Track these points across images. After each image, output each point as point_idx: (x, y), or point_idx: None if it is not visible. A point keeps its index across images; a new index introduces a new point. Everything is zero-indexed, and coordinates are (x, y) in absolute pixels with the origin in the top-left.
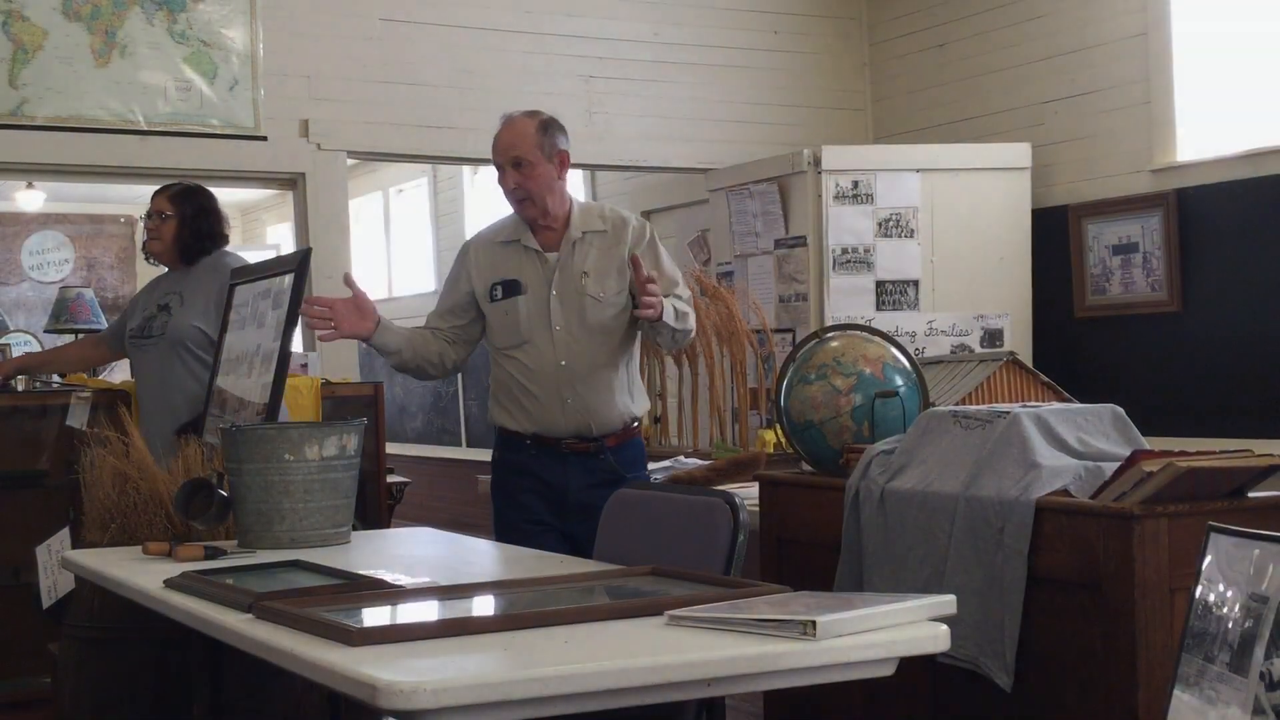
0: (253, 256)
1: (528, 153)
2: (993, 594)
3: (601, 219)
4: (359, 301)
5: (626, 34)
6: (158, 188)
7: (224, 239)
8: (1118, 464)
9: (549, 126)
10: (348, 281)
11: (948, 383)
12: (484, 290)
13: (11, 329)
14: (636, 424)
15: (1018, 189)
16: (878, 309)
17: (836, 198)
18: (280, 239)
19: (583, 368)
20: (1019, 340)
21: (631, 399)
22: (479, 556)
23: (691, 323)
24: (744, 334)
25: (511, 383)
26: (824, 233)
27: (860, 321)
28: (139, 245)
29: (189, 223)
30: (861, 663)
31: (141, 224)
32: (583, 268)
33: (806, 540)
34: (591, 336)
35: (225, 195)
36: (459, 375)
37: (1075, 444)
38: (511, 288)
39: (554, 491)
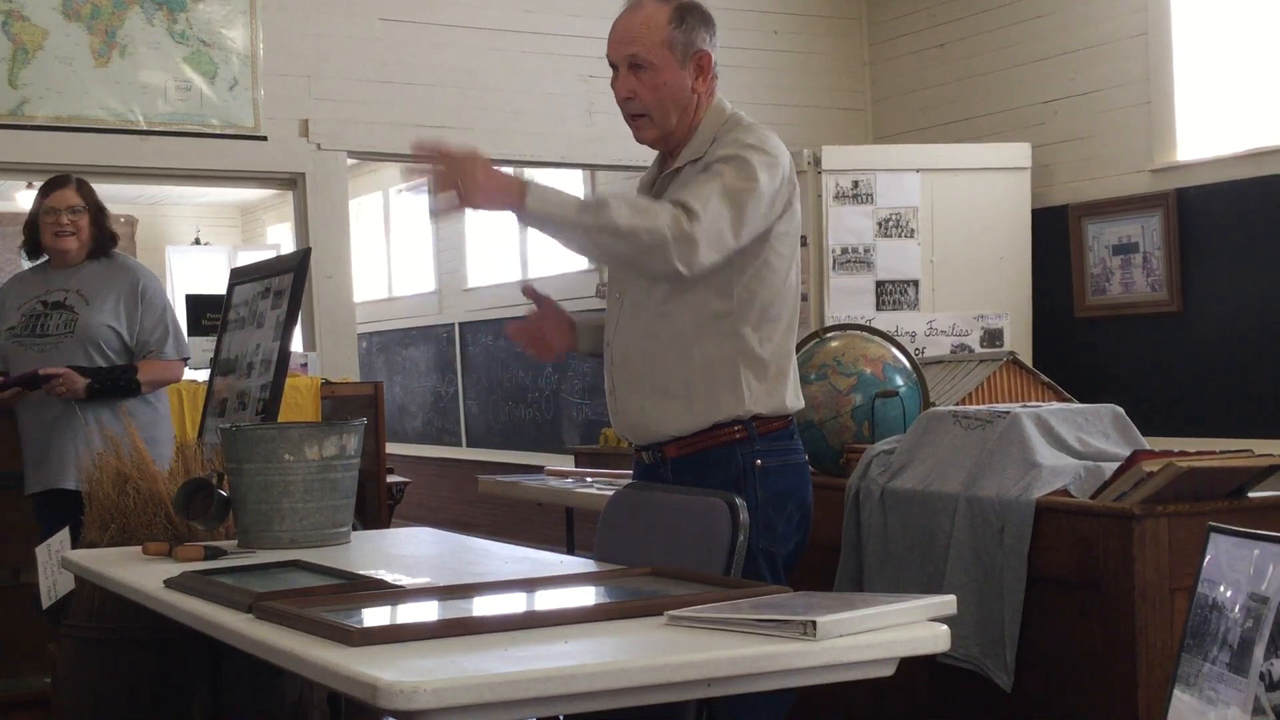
0: (253, 256)
1: (649, 51)
2: (993, 594)
3: (712, 138)
4: (547, 314)
5: None
6: (44, 187)
7: (117, 236)
8: (1118, 464)
9: (686, 15)
10: (527, 293)
11: (948, 383)
12: None
13: None
14: (723, 429)
15: (1018, 189)
16: (878, 309)
17: (836, 198)
18: (280, 239)
19: (621, 349)
20: (1019, 340)
21: (704, 396)
22: (479, 556)
23: (631, 218)
24: None
25: None
26: (824, 233)
27: (860, 321)
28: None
29: (96, 216)
30: (861, 663)
31: (49, 222)
32: None
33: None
34: (642, 307)
35: (225, 195)
36: (459, 375)
37: (1075, 444)
38: None
39: None
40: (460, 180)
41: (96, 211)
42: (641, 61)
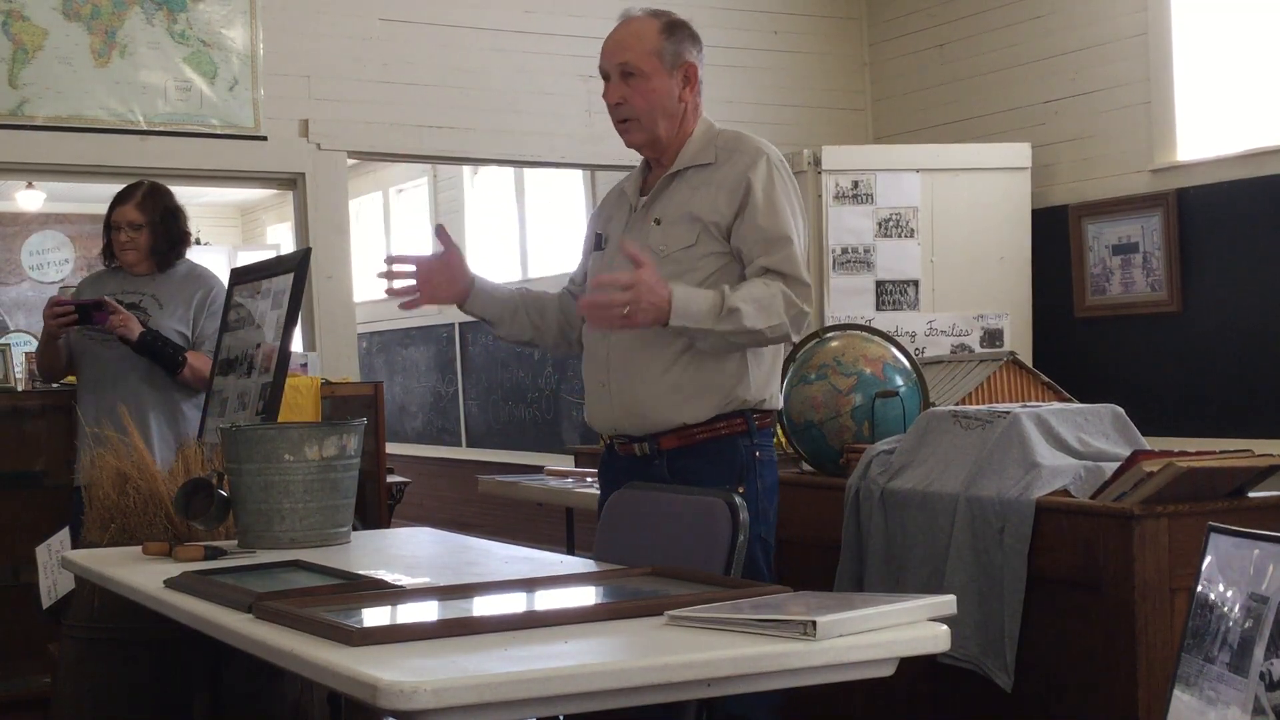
0: (253, 256)
1: (641, 60)
2: (993, 594)
3: (714, 148)
4: (449, 260)
5: None
6: (116, 196)
7: (189, 236)
8: (1118, 464)
9: (676, 30)
10: (440, 234)
11: (948, 383)
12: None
13: (12, 329)
14: (726, 421)
15: (1018, 189)
16: (878, 309)
17: (836, 198)
18: (280, 239)
19: (622, 341)
20: (1019, 340)
21: (714, 384)
22: (479, 556)
23: (760, 319)
24: None
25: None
26: (824, 233)
27: (860, 321)
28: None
29: (160, 228)
30: (861, 663)
31: (114, 235)
32: (658, 213)
33: (806, 540)
34: None
35: (225, 195)
36: (459, 375)
37: (1075, 444)
38: (598, 242)
39: None
40: (631, 306)
41: (163, 219)
42: (633, 69)
